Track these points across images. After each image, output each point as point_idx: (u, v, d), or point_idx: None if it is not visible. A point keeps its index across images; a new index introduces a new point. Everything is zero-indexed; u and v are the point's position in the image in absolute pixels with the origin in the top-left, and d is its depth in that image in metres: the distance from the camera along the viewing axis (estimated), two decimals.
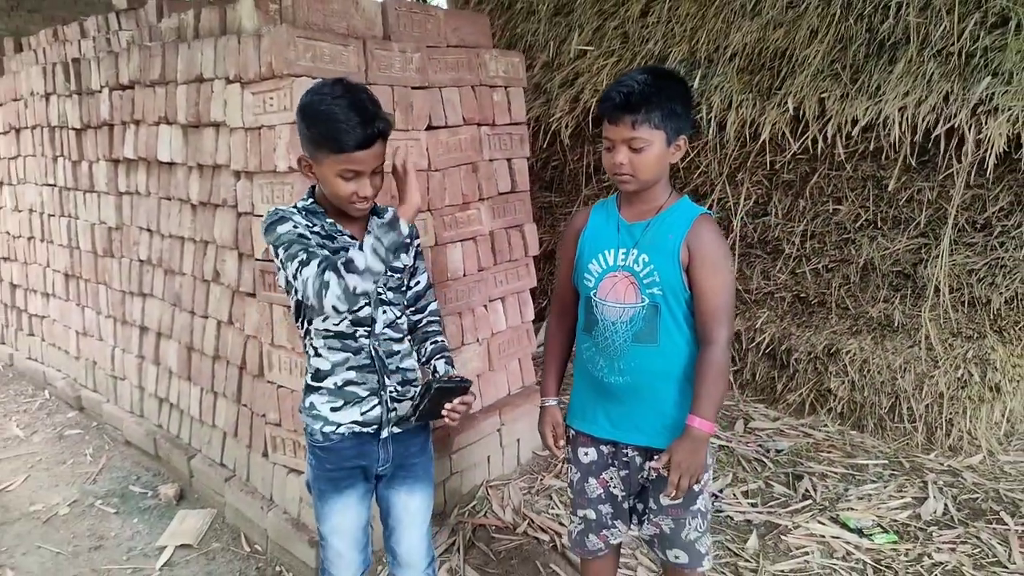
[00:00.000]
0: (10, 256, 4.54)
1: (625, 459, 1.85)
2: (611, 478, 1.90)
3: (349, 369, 1.72)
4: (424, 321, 1.89)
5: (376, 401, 1.74)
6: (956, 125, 3.05)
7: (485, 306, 3.16)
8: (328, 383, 1.73)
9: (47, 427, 3.87)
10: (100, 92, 3.31)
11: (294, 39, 2.31)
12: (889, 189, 3.46)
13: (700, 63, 3.91)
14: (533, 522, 2.90)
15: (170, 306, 3.16)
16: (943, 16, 3.18)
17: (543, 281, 4.67)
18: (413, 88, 2.74)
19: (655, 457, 1.76)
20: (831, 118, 3.37)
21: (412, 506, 1.84)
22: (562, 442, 1.97)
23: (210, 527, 2.90)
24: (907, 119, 3.20)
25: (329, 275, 1.50)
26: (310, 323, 1.73)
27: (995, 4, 3.08)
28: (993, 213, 3.25)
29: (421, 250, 1.89)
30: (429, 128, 2.83)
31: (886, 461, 3.45)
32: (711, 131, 3.79)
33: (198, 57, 2.71)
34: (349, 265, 1.52)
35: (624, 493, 1.90)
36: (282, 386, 2.57)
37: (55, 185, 3.89)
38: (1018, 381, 3.50)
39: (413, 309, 1.88)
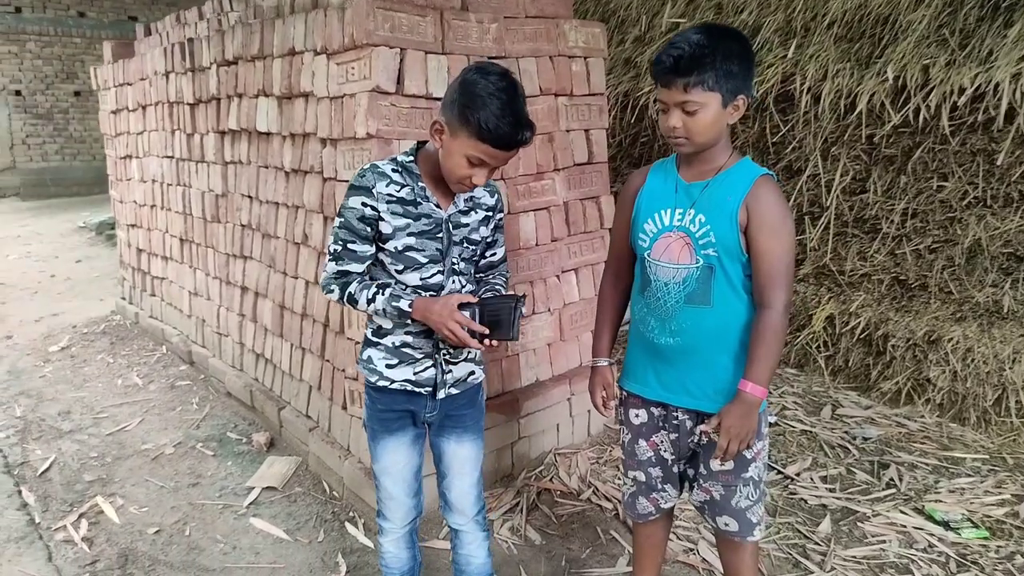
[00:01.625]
0: (137, 223, 5.00)
1: (675, 422, 1.85)
2: (661, 441, 1.90)
3: (407, 334, 1.80)
4: (489, 276, 1.94)
5: (430, 363, 1.82)
6: None
7: (558, 276, 3.19)
8: (387, 341, 1.81)
9: (162, 378, 4.26)
10: (209, 69, 3.58)
11: (373, 10, 2.42)
12: (1000, 164, 3.20)
13: (796, 32, 3.74)
14: (598, 490, 2.92)
15: (266, 267, 3.39)
16: None
17: None
18: (491, 58, 2.79)
19: (705, 421, 1.75)
20: (935, 87, 3.15)
21: (461, 454, 1.91)
22: (612, 403, 1.98)
23: (294, 473, 3.12)
24: (1021, 87, 2.94)
25: (335, 287, 1.75)
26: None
27: None
28: None
29: (503, 223, 1.93)
30: None
31: (986, 456, 3.22)
32: (805, 103, 3.63)
33: (291, 31, 2.88)
34: (350, 297, 1.73)
35: (674, 457, 1.90)
36: (359, 342, 2.71)
37: (172, 157, 4.24)
38: None
39: (485, 277, 1.94)
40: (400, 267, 1.75)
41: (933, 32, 3.24)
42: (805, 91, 3.61)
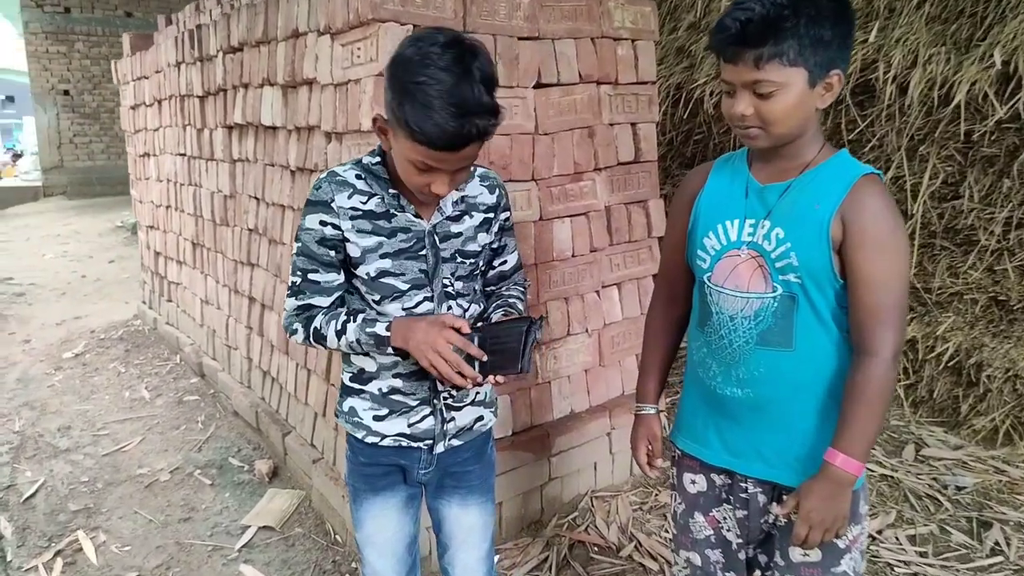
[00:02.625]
0: (154, 224, 4.75)
1: (744, 495, 1.42)
2: (724, 518, 1.48)
3: (396, 376, 1.42)
4: (501, 288, 1.55)
5: (427, 411, 1.45)
6: None
7: (597, 292, 2.78)
8: (371, 387, 1.44)
9: (171, 391, 3.97)
10: (216, 57, 3.26)
11: None
12: None
13: (878, 13, 3.25)
14: (641, 545, 2.49)
15: (272, 276, 3.06)
16: None
17: None
18: (520, 39, 2.39)
19: (783, 498, 1.33)
20: None
21: (466, 522, 1.53)
22: (658, 461, 1.57)
23: (296, 510, 2.77)
24: None
25: (297, 325, 1.40)
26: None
27: None
28: None
29: (512, 224, 1.55)
30: (538, 86, 2.47)
31: None
32: (889, 95, 3.13)
33: (295, 10, 2.53)
34: (316, 334, 1.38)
35: (741, 540, 1.47)
36: None
37: (185, 154, 3.96)
38: None
39: (494, 290, 1.56)
40: (377, 296, 1.39)
41: None
42: (890, 80, 3.11)
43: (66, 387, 4.12)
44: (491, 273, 1.53)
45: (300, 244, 1.37)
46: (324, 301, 1.39)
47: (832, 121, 3.52)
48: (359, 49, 2.18)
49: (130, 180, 5.24)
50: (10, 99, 29.82)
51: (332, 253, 1.36)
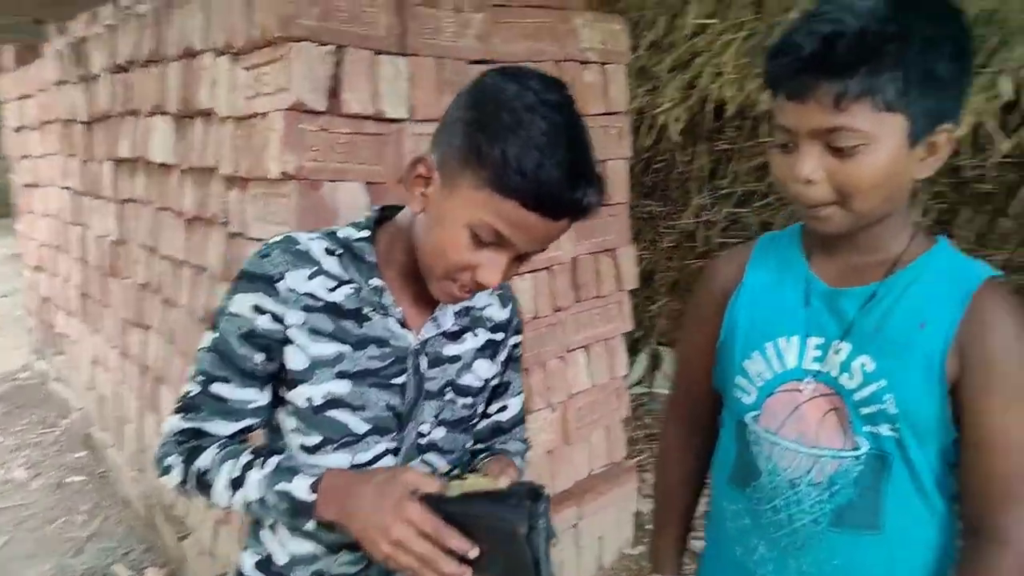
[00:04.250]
0: (41, 265, 4.10)
1: None
2: None
3: (330, 553, 0.95)
4: (494, 444, 1.10)
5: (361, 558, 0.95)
6: None
7: (562, 357, 2.35)
8: (300, 572, 0.96)
9: (52, 469, 3.34)
10: (99, 77, 2.71)
11: None
12: None
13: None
14: None
15: (167, 344, 2.52)
16: None
17: (636, 310, 3.80)
18: (472, 62, 1.96)
19: None
20: None
21: None
22: None
23: None
24: None
25: (173, 458, 0.92)
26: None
27: None
28: None
29: (521, 354, 1.11)
30: None
31: None
32: None
33: (189, 23, 2.03)
34: (199, 478, 0.90)
35: None
36: None
37: (70, 188, 3.36)
38: None
39: (486, 446, 1.10)
40: (314, 440, 0.93)
41: None
42: None
43: None
44: (483, 424, 1.07)
45: (216, 335, 0.92)
46: (225, 428, 0.93)
47: None
48: (266, 75, 1.71)
49: (15, 210, 4.55)
50: None
51: (260, 358, 0.91)
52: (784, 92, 0.84)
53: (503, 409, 1.08)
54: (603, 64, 2.34)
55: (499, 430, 1.08)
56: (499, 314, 1.03)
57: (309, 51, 1.63)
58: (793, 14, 3.21)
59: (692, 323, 1.11)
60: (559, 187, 0.77)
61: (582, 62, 2.27)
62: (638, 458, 3.12)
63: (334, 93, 1.70)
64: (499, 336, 1.03)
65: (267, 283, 0.89)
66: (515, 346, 1.06)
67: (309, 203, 1.68)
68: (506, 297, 1.05)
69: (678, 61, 3.61)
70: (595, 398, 2.50)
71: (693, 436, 1.14)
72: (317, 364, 0.90)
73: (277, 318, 0.89)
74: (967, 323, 0.84)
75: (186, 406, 0.93)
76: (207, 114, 2.01)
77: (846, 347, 0.90)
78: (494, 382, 1.04)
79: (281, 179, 1.67)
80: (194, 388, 0.93)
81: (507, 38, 2.07)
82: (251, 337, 0.90)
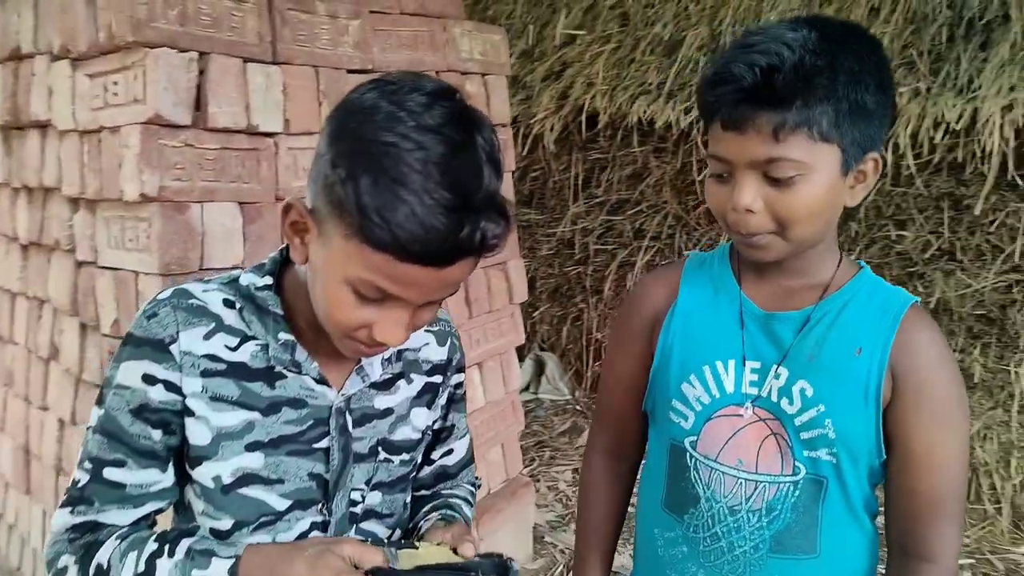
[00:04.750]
0: None
1: None
2: None
3: None
4: (441, 489, 1.01)
5: None
6: None
7: None
8: None
9: None
10: None
11: None
12: (976, 212, 2.69)
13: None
14: None
15: (2, 387, 2.20)
16: None
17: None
18: (350, 72, 1.85)
19: None
20: (909, 120, 2.58)
21: None
22: None
23: None
24: (1008, 122, 2.43)
25: (68, 559, 0.78)
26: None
27: None
28: None
29: (464, 393, 1.00)
30: None
31: (964, 555, 2.68)
32: None
33: (14, 21, 1.77)
34: (99, 572, 0.76)
35: None
36: None
37: None
38: None
39: (431, 492, 1.00)
40: (226, 523, 0.81)
41: (897, 53, 2.69)
42: None
43: None
44: (427, 470, 0.97)
45: (102, 412, 0.79)
46: (124, 517, 0.79)
47: (679, 160, 3.33)
48: (115, 84, 1.51)
49: None
50: None
51: (157, 434, 0.78)
52: (721, 122, 0.83)
53: (448, 453, 0.99)
54: (483, 75, 2.29)
55: (444, 476, 0.99)
56: (436, 354, 0.93)
57: (168, 58, 1.46)
58: (657, 28, 3.33)
59: (620, 346, 1.08)
60: (437, 233, 0.64)
61: (463, 73, 2.21)
62: (530, 467, 3.12)
63: (198, 105, 1.54)
64: (437, 379, 0.93)
65: (157, 348, 0.76)
66: (457, 386, 0.97)
67: (174, 227, 1.51)
68: (444, 334, 0.94)
69: (550, 71, 3.64)
70: (491, 414, 2.44)
71: (620, 464, 1.12)
72: (223, 437, 0.78)
73: (172, 387, 0.77)
74: (897, 348, 0.87)
75: (75, 498, 0.79)
76: (42, 126, 1.76)
77: (784, 372, 0.90)
78: (436, 426, 0.95)
79: (140, 201, 1.49)
80: (83, 476, 0.79)
81: (385, 47, 1.97)
82: (144, 411, 0.77)
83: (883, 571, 0.93)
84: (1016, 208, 2.65)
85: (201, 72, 1.53)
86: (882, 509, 0.92)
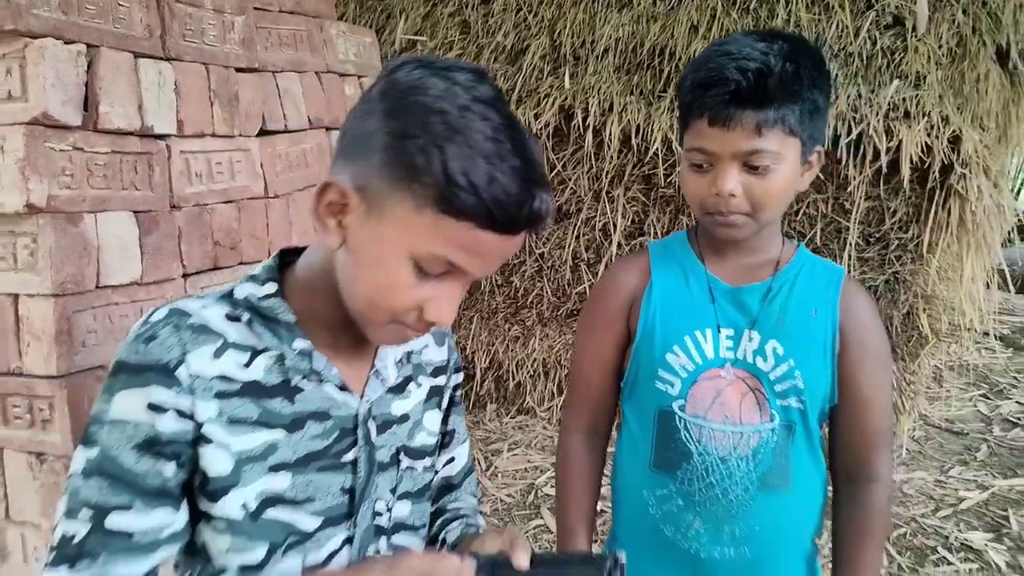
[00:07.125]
0: None
1: None
2: None
3: None
4: (447, 503, 0.98)
5: None
6: (867, 131, 2.77)
7: None
8: None
9: None
10: None
11: None
12: None
13: (566, 59, 3.31)
14: None
15: None
16: (836, 12, 2.91)
17: None
18: (239, 70, 1.74)
19: None
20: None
21: None
22: None
23: None
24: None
25: None
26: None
27: (888, 2, 2.87)
28: (891, 226, 3.06)
29: (461, 395, 0.98)
30: (262, 133, 1.84)
31: None
32: (588, 140, 3.21)
33: None
34: None
35: None
36: None
37: None
38: None
39: (436, 507, 0.96)
40: (260, 551, 0.74)
41: None
42: (586, 126, 3.17)
43: None
44: (434, 481, 0.93)
45: (95, 453, 0.69)
46: (134, 569, 0.70)
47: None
48: None
49: None
50: None
51: (170, 469, 0.70)
52: (709, 119, 0.94)
53: (451, 461, 0.96)
54: (359, 77, 2.26)
55: (448, 487, 0.97)
56: (437, 355, 0.92)
57: (55, 51, 1.29)
58: (499, 37, 3.47)
59: (594, 331, 1.15)
60: (516, 199, 0.65)
61: (342, 74, 2.17)
62: None
63: (87, 104, 1.38)
64: (441, 380, 0.92)
65: (162, 372, 0.69)
66: (456, 388, 0.96)
67: (68, 242, 1.34)
68: (440, 334, 0.93)
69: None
70: None
71: (595, 440, 1.20)
72: (244, 461, 0.72)
73: (184, 414, 0.70)
74: (842, 309, 1.05)
75: (74, 555, 0.68)
76: None
77: (756, 335, 1.04)
78: (441, 432, 0.93)
79: (25, 213, 1.30)
80: (79, 528, 0.69)
81: (268, 45, 1.88)
82: (153, 446, 0.69)
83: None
84: (814, 199, 3.13)
85: (90, 66, 1.37)
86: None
